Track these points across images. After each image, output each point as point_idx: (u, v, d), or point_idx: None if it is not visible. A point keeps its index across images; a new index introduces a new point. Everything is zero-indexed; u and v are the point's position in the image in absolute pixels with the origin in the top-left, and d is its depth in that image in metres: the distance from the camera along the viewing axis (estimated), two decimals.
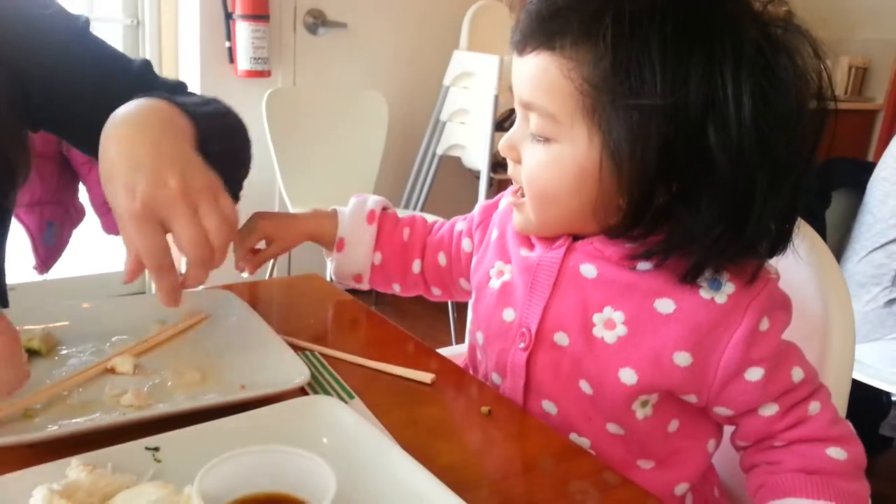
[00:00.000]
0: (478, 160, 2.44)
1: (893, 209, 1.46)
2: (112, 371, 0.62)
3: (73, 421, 0.54)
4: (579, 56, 0.55)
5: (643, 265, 0.60)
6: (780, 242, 0.58)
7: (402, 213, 0.86)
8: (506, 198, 0.72)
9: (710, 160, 0.53)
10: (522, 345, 0.66)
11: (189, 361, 0.65)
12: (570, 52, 0.56)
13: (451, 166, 2.69)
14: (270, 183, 2.41)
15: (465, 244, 0.79)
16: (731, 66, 0.52)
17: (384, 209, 0.83)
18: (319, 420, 0.53)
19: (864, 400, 1.51)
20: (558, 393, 0.65)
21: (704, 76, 0.52)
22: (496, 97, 2.33)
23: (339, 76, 2.58)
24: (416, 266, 0.82)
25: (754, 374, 0.58)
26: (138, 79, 0.81)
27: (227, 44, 2.32)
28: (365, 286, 0.84)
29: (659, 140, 0.53)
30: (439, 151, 2.62)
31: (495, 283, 0.70)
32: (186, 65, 2.38)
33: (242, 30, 2.28)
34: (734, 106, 0.52)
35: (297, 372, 0.61)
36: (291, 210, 2.21)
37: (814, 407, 0.60)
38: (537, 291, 0.65)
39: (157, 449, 0.48)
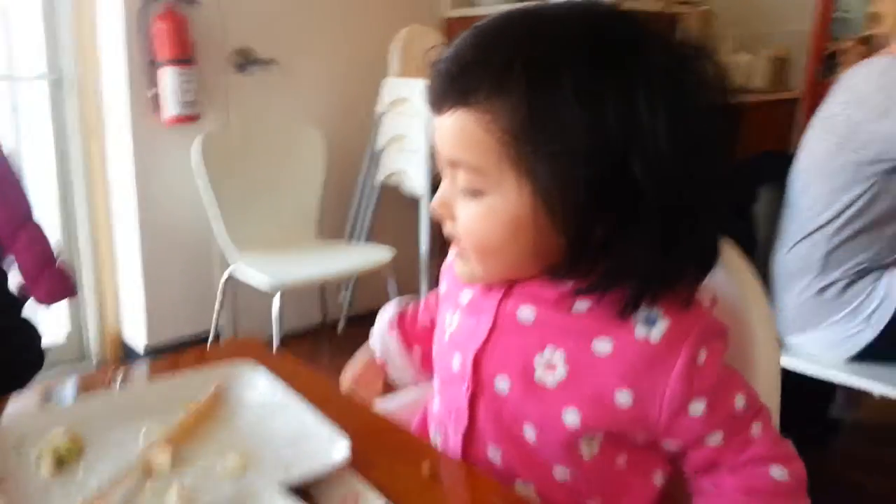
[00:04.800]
0: (417, 184, 2.45)
1: (813, 199, 1.51)
2: (149, 471, 0.60)
3: None
4: (495, 109, 0.56)
5: (580, 305, 0.61)
6: (710, 258, 0.59)
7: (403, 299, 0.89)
8: (451, 251, 0.73)
9: (637, 190, 0.54)
10: (465, 388, 0.66)
11: (226, 444, 0.64)
12: (485, 105, 0.56)
13: (393, 194, 2.69)
14: (206, 230, 2.38)
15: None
16: (643, 97, 0.53)
17: (405, 310, 0.86)
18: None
19: (810, 387, 1.55)
20: (502, 440, 0.65)
21: (619, 111, 0.53)
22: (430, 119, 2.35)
23: (273, 113, 2.57)
24: None
25: (697, 407, 0.59)
26: None
27: (154, 91, 2.29)
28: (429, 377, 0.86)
29: (586, 179, 0.54)
30: (379, 180, 2.62)
31: (446, 333, 0.71)
32: (112, 116, 2.34)
33: (168, 75, 2.24)
34: (651, 135, 0.53)
35: (338, 447, 0.60)
36: (230, 254, 2.18)
37: (756, 428, 0.61)
38: (477, 336, 0.65)
39: None
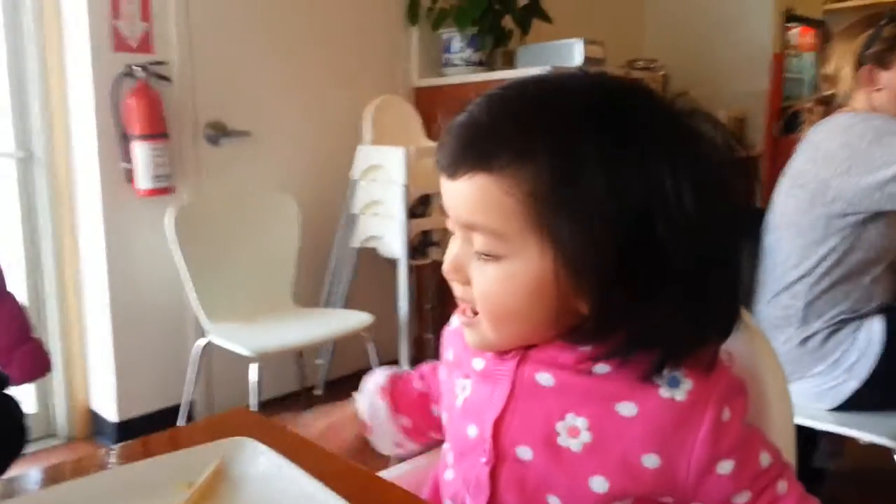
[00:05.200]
0: (395, 248, 2.45)
1: (788, 253, 1.54)
2: None
3: None
4: (518, 174, 0.56)
5: (600, 368, 0.60)
6: (731, 319, 0.59)
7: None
8: (455, 317, 0.72)
9: (662, 254, 0.54)
10: (484, 459, 0.64)
11: None
12: (507, 170, 0.56)
13: (369, 258, 2.69)
14: (181, 299, 2.34)
15: (442, 374, 0.78)
16: (665, 163, 0.54)
17: (398, 376, 0.85)
18: None
19: (797, 437, 1.55)
20: None
21: (642, 176, 0.54)
22: (406, 187, 2.37)
23: (246, 182, 2.57)
24: (436, 410, 0.82)
25: (725, 466, 0.58)
26: None
27: (126, 165, 2.28)
28: (410, 448, 0.86)
29: (611, 242, 0.54)
30: (355, 244, 2.62)
31: (459, 401, 0.69)
32: (83, 191, 2.32)
33: (141, 150, 2.24)
34: (674, 198, 0.53)
35: None
36: (206, 323, 2.14)
37: (782, 486, 0.61)
38: (494, 404, 0.64)
39: None
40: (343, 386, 2.81)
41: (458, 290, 0.64)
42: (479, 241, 0.59)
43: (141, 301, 2.37)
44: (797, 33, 4.59)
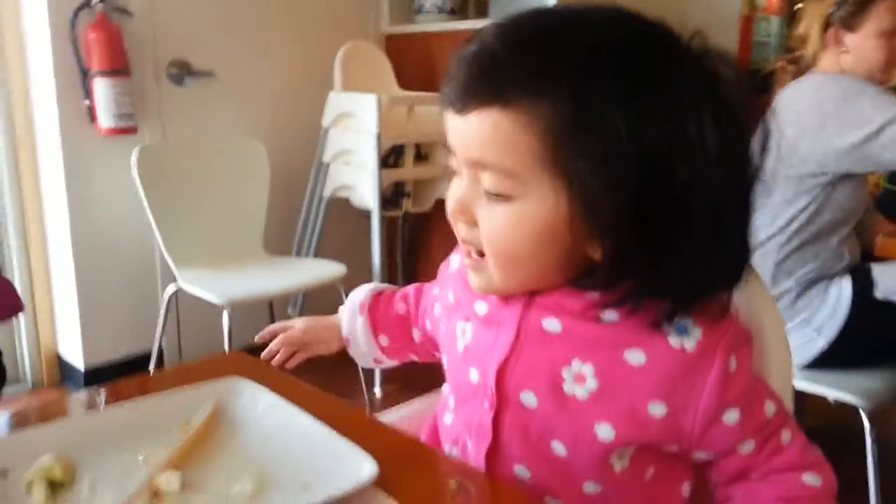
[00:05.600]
0: (367, 199, 2.42)
1: (759, 213, 1.56)
2: (157, 494, 0.55)
3: None
4: (535, 109, 0.53)
5: (609, 315, 0.58)
6: (740, 269, 0.58)
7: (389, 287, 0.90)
8: (455, 254, 0.70)
9: (681, 199, 0.52)
10: (487, 405, 0.63)
11: (235, 466, 0.60)
12: (524, 105, 0.53)
13: (340, 208, 2.65)
14: (149, 244, 2.28)
15: (437, 309, 0.77)
16: (688, 104, 0.52)
17: (380, 293, 0.86)
18: None
19: None
20: (530, 456, 0.62)
21: (665, 116, 0.52)
22: (378, 136, 2.33)
23: (212, 126, 2.49)
24: (416, 335, 0.84)
25: (731, 416, 0.58)
26: None
27: (87, 102, 2.18)
28: (389, 364, 0.89)
29: (632, 184, 0.52)
30: (326, 194, 2.57)
31: (460, 345, 0.68)
32: (44, 128, 2.21)
33: (102, 87, 2.15)
34: (698, 141, 0.52)
35: (363, 464, 0.56)
36: (175, 269, 2.09)
37: (786, 436, 0.61)
38: (498, 350, 0.62)
39: None
40: None
41: (462, 230, 0.61)
42: (488, 181, 0.56)
43: (106, 245, 2.30)
44: None
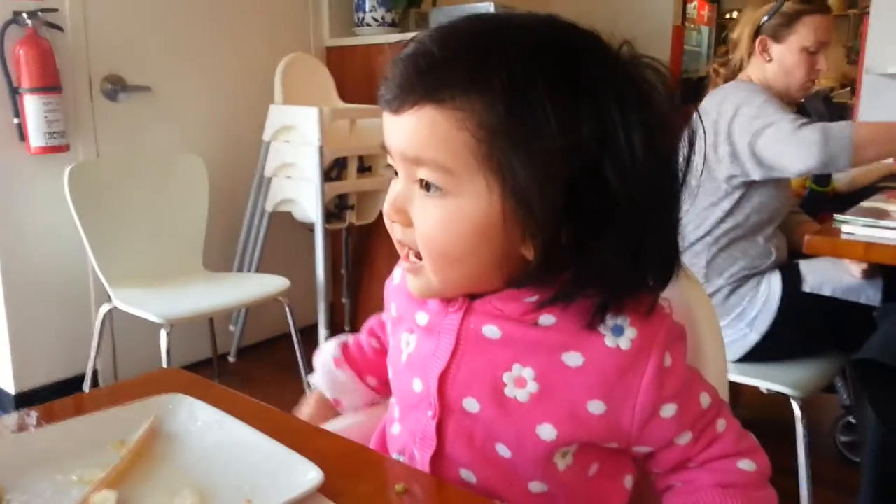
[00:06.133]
0: (310, 212, 2.40)
1: (687, 216, 1.62)
2: None
3: None
4: (470, 105, 0.54)
5: (545, 320, 0.60)
6: (671, 266, 0.59)
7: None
8: (398, 268, 0.71)
9: (608, 194, 0.54)
10: (430, 413, 0.64)
11: (175, 482, 0.58)
12: (459, 102, 0.54)
13: (283, 221, 2.62)
14: (82, 264, 2.22)
15: (389, 328, 0.77)
16: (615, 104, 0.54)
17: (345, 344, 0.85)
18: None
19: None
20: (475, 460, 0.63)
21: (593, 115, 0.54)
22: (321, 148, 2.32)
23: (149, 142, 2.44)
24: None
25: (668, 410, 0.60)
26: None
27: (17, 120, 2.11)
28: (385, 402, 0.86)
29: (562, 178, 0.53)
30: (268, 208, 2.55)
31: (403, 356, 0.68)
32: None
33: (32, 104, 2.08)
34: (625, 140, 0.54)
35: (306, 472, 0.56)
36: (109, 289, 2.03)
37: (721, 424, 0.63)
38: (439, 358, 0.63)
39: None
40: (257, 352, 2.75)
41: (398, 232, 0.61)
42: (424, 177, 0.58)
43: (37, 266, 2.22)
44: (695, 6, 4.78)
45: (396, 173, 0.61)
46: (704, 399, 0.62)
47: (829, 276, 1.54)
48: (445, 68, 0.55)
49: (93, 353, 2.12)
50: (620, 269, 0.56)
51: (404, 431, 0.69)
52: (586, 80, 0.54)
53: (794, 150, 1.46)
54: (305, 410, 0.85)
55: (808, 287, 1.55)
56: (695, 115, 0.60)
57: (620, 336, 0.59)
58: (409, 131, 0.57)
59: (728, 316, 1.59)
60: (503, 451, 0.62)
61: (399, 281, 0.72)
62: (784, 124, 1.48)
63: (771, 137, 1.48)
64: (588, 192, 0.54)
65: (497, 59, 0.54)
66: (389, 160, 0.62)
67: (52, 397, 2.19)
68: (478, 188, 0.56)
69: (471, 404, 0.62)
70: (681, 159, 0.58)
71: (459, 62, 0.55)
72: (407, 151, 0.58)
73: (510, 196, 0.55)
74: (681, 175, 0.58)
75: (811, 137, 1.44)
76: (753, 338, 1.57)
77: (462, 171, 0.56)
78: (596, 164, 0.54)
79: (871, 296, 1.50)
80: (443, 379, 0.63)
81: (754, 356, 1.57)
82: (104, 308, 2.08)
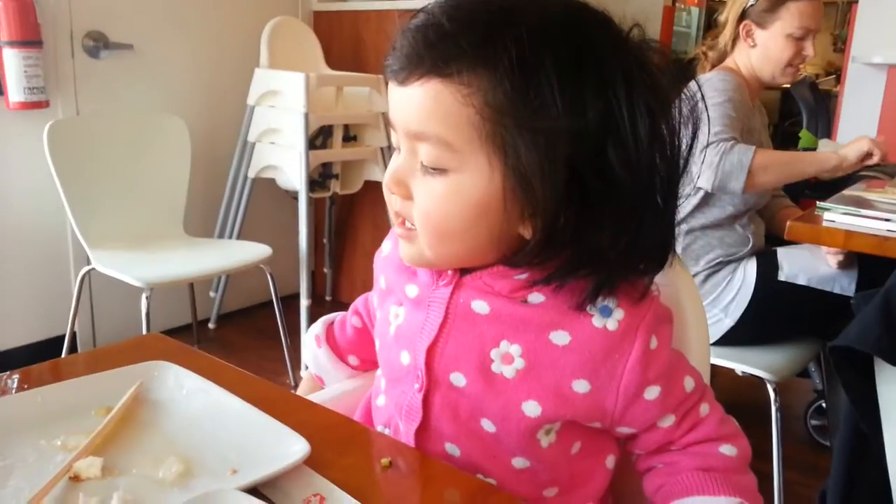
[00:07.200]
0: (294, 180, 2.38)
1: None
2: (77, 479, 0.53)
3: None
4: (477, 81, 0.54)
5: (535, 298, 0.60)
6: (665, 252, 0.60)
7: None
8: (388, 240, 0.70)
9: (611, 177, 0.54)
10: (417, 386, 0.64)
11: (160, 449, 0.58)
12: (465, 77, 0.54)
13: (266, 188, 2.60)
14: (61, 224, 2.19)
15: (374, 300, 0.77)
16: (622, 87, 0.54)
17: (331, 321, 0.86)
18: None
19: None
20: (459, 434, 0.64)
21: (600, 98, 0.53)
22: (306, 115, 2.29)
23: (130, 102, 2.39)
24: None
25: (652, 392, 0.61)
26: None
27: None
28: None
29: (565, 160, 0.53)
30: (251, 174, 2.52)
31: (392, 328, 0.68)
32: None
33: (11, 58, 2.03)
34: (630, 124, 0.54)
35: (293, 444, 0.56)
36: (89, 250, 2.01)
37: (704, 409, 0.64)
38: (427, 331, 0.63)
39: None
40: (237, 319, 2.74)
41: (396, 204, 0.61)
42: (426, 153, 0.57)
43: (14, 225, 2.19)
44: None
45: (399, 149, 0.61)
46: (688, 383, 0.63)
47: (804, 266, 1.56)
48: (454, 42, 0.54)
49: (71, 315, 2.09)
50: (617, 252, 0.56)
51: (390, 403, 0.69)
52: (595, 62, 0.54)
53: (699, 167, 1.48)
54: (301, 389, 0.87)
55: (783, 276, 1.56)
56: (700, 103, 0.60)
57: (608, 317, 0.59)
58: (413, 104, 0.57)
59: (703, 301, 1.60)
60: (488, 426, 0.62)
61: (388, 252, 0.72)
62: (704, 138, 1.48)
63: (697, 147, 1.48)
64: (590, 174, 0.54)
65: (507, 36, 0.53)
66: (392, 135, 0.61)
67: (29, 359, 2.18)
68: (480, 165, 0.56)
69: (457, 378, 0.62)
70: (683, 146, 0.58)
71: (469, 37, 0.54)
72: (410, 125, 0.58)
73: (512, 175, 0.55)
74: (682, 162, 0.58)
75: (709, 156, 1.46)
76: (727, 323, 1.59)
77: (465, 147, 0.55)
78: (599, 147, 0.54)
79: (844, 286, 1.52)
80: (430, 352, 0.63)
81: (727, 341, 1.60)
82: (83, 270, 2.05)
